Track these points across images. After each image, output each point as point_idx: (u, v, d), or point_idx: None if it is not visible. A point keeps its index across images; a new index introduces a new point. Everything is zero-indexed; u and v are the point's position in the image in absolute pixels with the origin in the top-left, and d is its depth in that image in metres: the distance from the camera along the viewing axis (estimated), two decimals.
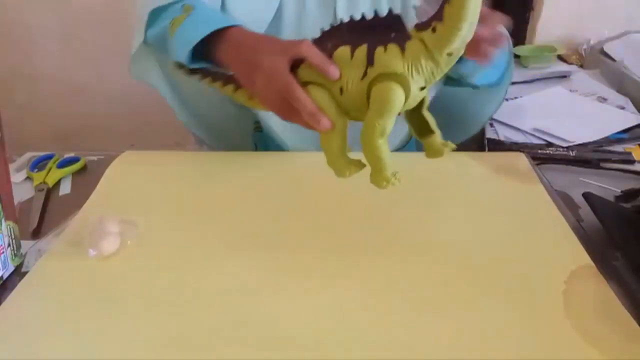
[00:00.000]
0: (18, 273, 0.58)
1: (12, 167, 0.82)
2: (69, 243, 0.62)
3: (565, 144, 0.90)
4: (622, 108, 1.04)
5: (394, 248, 0.60)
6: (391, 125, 0.49)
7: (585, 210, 0.68)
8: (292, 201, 0.67)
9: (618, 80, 1.17)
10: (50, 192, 0.75)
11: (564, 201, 0.70)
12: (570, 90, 1.13)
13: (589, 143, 0.90)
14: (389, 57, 0.48)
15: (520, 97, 1.11)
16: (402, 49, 0.48)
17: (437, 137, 0.55)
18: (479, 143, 0.95)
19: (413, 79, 0.48)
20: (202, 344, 0.48)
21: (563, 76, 1.22)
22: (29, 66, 1.62)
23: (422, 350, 0.47)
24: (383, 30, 0.49)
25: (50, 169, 0.79)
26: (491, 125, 0.98)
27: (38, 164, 0.82)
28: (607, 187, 0.75)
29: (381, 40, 0.49)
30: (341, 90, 0.50)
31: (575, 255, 0.59)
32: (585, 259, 0.58)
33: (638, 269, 0.56)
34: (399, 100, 0.48)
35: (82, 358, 0.47)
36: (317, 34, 0.54)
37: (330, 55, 0.50)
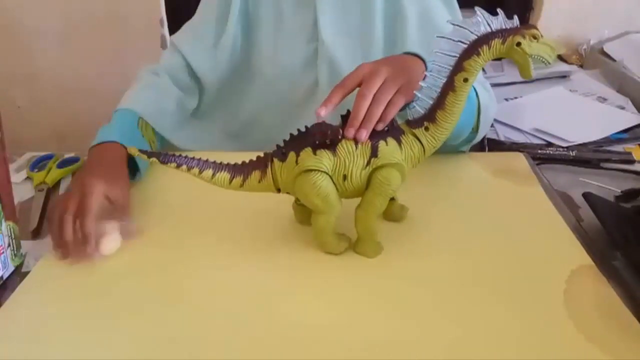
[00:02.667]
0: (18, 273, 0.58)
1: (12, 167, 0.82)
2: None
3: (565, 144, 0.90)
4: (622, 108, 1.04)
5: (393, 248, 0.60)
6: (385, 205, 0.57)
7: (585, 210, 0.68)
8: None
9: (618, 80, 1.17)
10: (50, 192, 0.75)
11: (564, 201, 0.70)
12: (570, 90, 1.13)
13: (589, 143, 0.90)
14: (390, 150, 0.55)
15: (520, 97, 1.11)
16: (399, 142, 0.56)
17: (397, 202, 0.65)
18: (479, 143, 0.95)
19: (407, 166, 0.56)
20: (202, 343, 0.48)
21: (563, 76, 1.22)
22: (29, 66, 1.61)
23: (423, 350, 0.47)
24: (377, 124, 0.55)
25: (50, 169, 0.79)
26: (491, 125, 0.98)
27: (38, 164, 0.82)
28: (607, 187, 0.75)
29: (377, 133, 0.55)
30: (345, 177, 0.55)
31: (575, 255, 0.59)
32: (585, 259, 0.58)
33: (638, 269, 0.56)
34: (398, 184, 0.56)
35: (83, 358, 0.47)
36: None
37: (332, 140, 0.55)
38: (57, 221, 0.59)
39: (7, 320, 0.51)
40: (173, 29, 1.55)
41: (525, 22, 1.46)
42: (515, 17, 0.52)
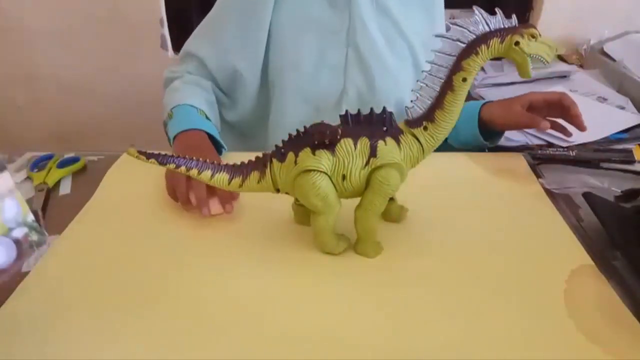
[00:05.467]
0: (19, 273, 0.58)
1: (12, 167, 0.82)
2: (69, 243, 0.62)
3: (565, 144, 0.90)
4: (622, 108, 1.04)
5: (393, 248, 0.60)
6: (385, 205, 0.57)
7: (585, 210, 0.68)
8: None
9: (618, 80, 1.17)
10: (50, 192, 0.75)
11: (564, 201, 0.70)
12: (570, 90, 1.13)
13: (589, 143, 0.90)
14: (389, 149, 0.55)
15: None
16: (398, 142, 0.56)
17: (396, 202, 0.65)
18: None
19: (406, 166, 0.56)
20: (199, 344, 0.48)
21: (563, 76, 1.22)
22: (29, 66, 1.62)
23: (423, 350, 0.47)
24: (376, 124, 0.55)
25: (50, 169, 0.79)
26: None
27: (38, 164, 0.82)
28: (607, 187, 0.75)
29: (376, 133, 0.55)
30: (344, 176, 0.55)
31: (575, 255, 0.59)
32: (585, 259, 0.58)
33: (638, 269, 0.56)
34: (397, 184, 0.56)
35: (83, 358, 0.47)
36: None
37: (331, 140, 0.54)
38: (176, 192, 0.67)
39: (7, 321, 0.51)
40: (173, 29, 1.56)
41: (525, 22, 1.45)
42: (514, 16, 0.53)
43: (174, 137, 0.76)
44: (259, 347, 0.48)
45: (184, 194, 0.66)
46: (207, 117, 0.82)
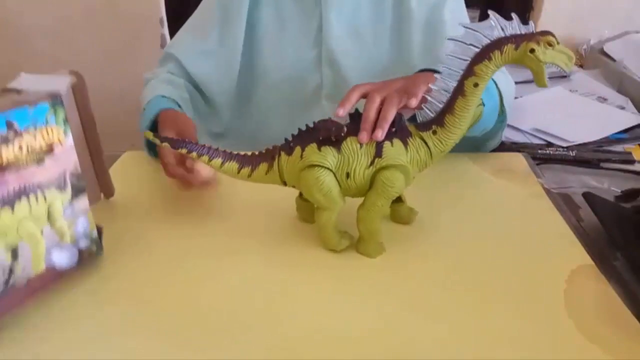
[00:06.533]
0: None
1: None
2: None
3: (565, 144, 0.90)
4: (622, 108, 1.04)
5: (393, 248, 0.60)
6: (388, 207, 0.57)
7: (585, 210, 0.68)
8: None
9: (618, 80, 1.17)
10: None
11: (564, 201, 0.70)
12: (570, 90, 1.13)
13: (589, 143, 0.90)
14: (395, 150, 0.55)
15: (520, 97, 1.11)
16: (405, 144, 0.55)
17: (405, 204, 0.65)
18: None
19: (412, 169, 0.56)
20: (202, 340, 0.48)
21: (563, 76, 1.22)
22: (29, 66, 1.62)
23: (423, 350, 0.47)
24: None
25: None
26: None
27: None
28: (607, 187, 0.75)
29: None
30: (348, 174, 0.55)
31: (575, 255, 0.59)
32: (585, 259, 0.58)
33: (638, 269, 0.56)
34: (402, 186, 0.55)
35: (82, 358, 0.47)
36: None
37: (337, 139, 0.55)
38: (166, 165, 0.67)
39: (7, 321, 0.51)
40: (173, 29, 1.56)
41: (525, 22, 1.45)
42: (531, 22, 0.50)
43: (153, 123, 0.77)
44: (257, 346, 0.47)
45: (172, 166, 0.66)
46: (178, 105, 0.82)
